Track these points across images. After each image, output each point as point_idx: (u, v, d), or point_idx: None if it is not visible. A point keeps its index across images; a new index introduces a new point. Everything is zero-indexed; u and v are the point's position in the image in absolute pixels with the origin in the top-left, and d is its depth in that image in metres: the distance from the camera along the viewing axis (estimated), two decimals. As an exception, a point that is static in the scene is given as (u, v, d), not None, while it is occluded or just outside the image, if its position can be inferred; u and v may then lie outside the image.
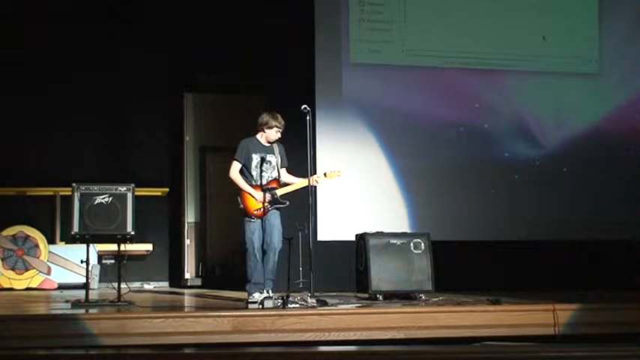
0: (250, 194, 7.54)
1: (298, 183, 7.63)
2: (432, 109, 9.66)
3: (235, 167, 7.62)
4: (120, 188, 7.26)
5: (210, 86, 10.89)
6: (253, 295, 7.43)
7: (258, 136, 7.71)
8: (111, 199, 7.20)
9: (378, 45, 9.63)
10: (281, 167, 7.74)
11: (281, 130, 7.67)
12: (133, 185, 7.33)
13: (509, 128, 9.90)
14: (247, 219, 7.56)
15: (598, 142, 10.03)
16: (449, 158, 9.67)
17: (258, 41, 9.55)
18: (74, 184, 7.20)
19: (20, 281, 9.58)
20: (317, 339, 6.33)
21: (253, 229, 7.54)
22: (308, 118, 7.32)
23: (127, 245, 7.37)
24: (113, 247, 7.60)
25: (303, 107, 7.31)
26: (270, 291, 7.48)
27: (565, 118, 10.05)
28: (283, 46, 9.21)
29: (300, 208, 7.66)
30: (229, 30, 10.40)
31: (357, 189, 9.21)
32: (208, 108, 10.99)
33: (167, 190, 10.64)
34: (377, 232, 8.06)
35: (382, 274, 7.82)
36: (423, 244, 7.97)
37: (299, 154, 7.64)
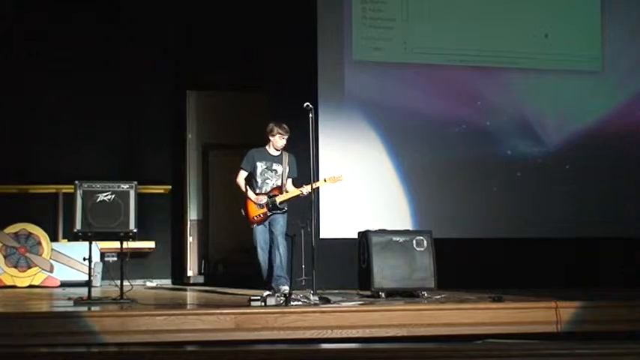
0: (251, 200, 7.75)
1: (294, 191, 7.73)
2: (434, 107, 9.65)
3: (240, 174, 7.86)
4: (122, 186, 7.27)
5: (213, 84, 10.88)
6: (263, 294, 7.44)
7: (267, 146, 7.87)
8: (113, 196, 7.21)
9: (380, 43, 9.62)
10: (288, 177, 7.85)
11: (285, 137, 7.79)
12: (135, 183, 7.35)
13: (511, 126, 9.88)
14: (251, 225, 7.78)
15: (600, 140, 10.01)
16: (451, 156, 9.66)
17: (261, 39, 9.55)
18: (77, 182, 7.22)
19: (23, 279, 9.58)
20: (319, 336, 6.33)
21: (256, 232, 7.79)
22: (310, 115, 7.34)
23: (129, 243, 7.39)
24: (116, 244, 7.59)
25: (305, 105, 7.34)
26: (284, 288, 7.49)
27: (567, 116, 10.03)
28: (286, 44, 9.20)
29: (303, 206, 7.67)
30: (232, 28, 10.40)
31: (360, 186, 9.20)
32: (211, 106, 10.98)
33: (169, 187, 10.65)
34: (379, 230, 8.05)
35: (384, 271, 7.81)
36: (425, 242, 7.96)
37: (302, 152, 7.66)
